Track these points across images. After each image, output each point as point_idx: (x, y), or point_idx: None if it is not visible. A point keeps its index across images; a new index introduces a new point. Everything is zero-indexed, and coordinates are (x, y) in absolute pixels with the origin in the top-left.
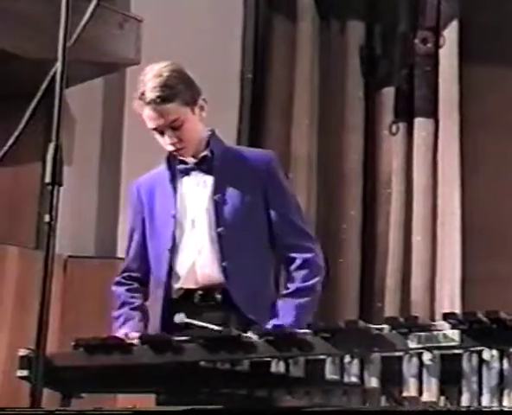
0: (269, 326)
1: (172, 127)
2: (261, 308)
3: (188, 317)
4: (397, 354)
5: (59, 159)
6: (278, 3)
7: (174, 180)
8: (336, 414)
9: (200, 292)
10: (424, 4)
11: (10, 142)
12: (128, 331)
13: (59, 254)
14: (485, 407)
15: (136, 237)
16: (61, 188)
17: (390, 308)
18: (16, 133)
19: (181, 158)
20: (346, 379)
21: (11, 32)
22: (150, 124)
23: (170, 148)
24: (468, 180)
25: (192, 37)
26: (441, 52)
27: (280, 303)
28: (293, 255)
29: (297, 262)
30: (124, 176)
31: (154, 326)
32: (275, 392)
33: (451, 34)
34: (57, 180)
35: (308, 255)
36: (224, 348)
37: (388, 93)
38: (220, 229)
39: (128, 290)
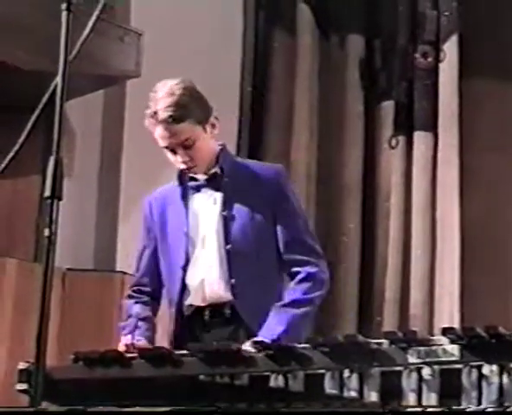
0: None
1: (184, 146)
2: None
3: (197, 334)
4: (396, 368)
5: (59, 173)
6: (278, 16)
7: (185, 196)
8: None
9: (209, 309)
10: (423, 18)
11: (10, 154)
12: (134, 339)
13: (57, 267)
14: (485, 408)
15: (147, 252)
16: (61, 201)
17: (389, 321)
18: (17, 146)
19: (191, 175)
20: (345, 394)
21: (12, 44)
22: (162, 143)
23: (182, 166)
24: (467, 193)
25: (192, 50)
26: (441, 66)
27: (273, 311)
28: (297, 269)
29: (300, 275)
30: (123, 190)
31: (168, 343)
32: (274, 407)
33: (451, 48)
34: (57, 194)
35: (312, 269)
36: (223, 362)
37: (388, 107)
38: (228, 246)
39: (137, 303)
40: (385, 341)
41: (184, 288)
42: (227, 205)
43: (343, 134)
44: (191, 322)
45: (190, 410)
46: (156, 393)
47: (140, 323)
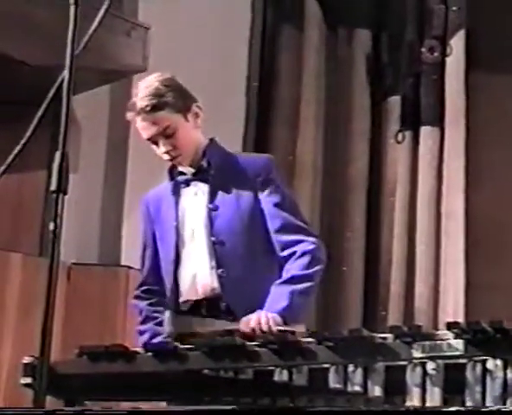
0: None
1: (165, 135)
2: None
3: (195, 328)
4: (401, 363)
5: (65, 167)
6: (285, 11)
7: (176, 191)
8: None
9: (205, 303)
10: (431, 13)
11: (17, 149)
12: None
13: (63, 261)
14: (485, 407)
15: (148, 252)
16: (66, 196)
17: (394, 316)
18: (23, 140)
19: (180, 170)
20: (349, 388)
21: (19, 39)
22: (144, 134)
23: (166, 157)
24: (473, 188)
25: (199, 45)
26: (448, 61)
27: (273, 289)
28: (292, 249)
29: (296, 254)
30: (128, 185)
31: None
32: (278, 401)
33: (457, 43)
34: (62, 188)
35: (307, 247)
36: (228, 357)
37: (394, 102)
38: (213, 238)
39: (150, 305)
40: (389, 336)
41: (177, 283)
42: (212, 197)
43: (350, 129)
44: (186, 314)
45: (197, 410)
46: (160, 388)
47: (160, 328)
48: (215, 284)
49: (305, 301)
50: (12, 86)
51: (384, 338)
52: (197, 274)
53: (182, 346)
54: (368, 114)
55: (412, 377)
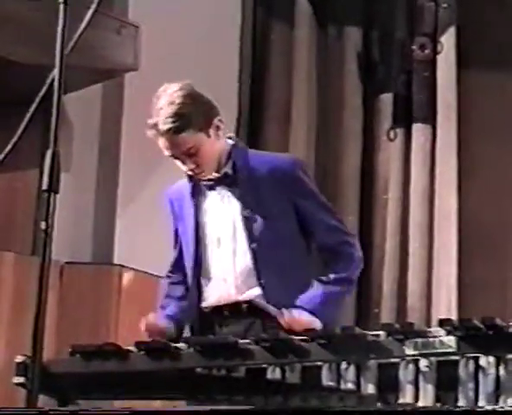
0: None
1: (188, 155)
2: None
3: (215, 329)
4: (393, 360)
5: (56, 166)
6: (276, 9)
7: (196, 194)
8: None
9: (228, 306)
10: (421, 10)
11: (8, 148)
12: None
13: (55, 260)
14: (481, 407)
15: (178, 241)
16: (58, 195)
17: (386, 314)
18: (14, 139)
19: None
20: (342, 386)
21: (9, 38)
22: (166, 152)
23: (190, 173)
24: (465, 186)
25: (190, 43)
26: (439, 58)
27: (312, 286)
28: (334, 250)
29: (339, 256)
30: (121, 183)
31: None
32: (271, 399)
33: (448, 40)
34: (54, 187)
35: (347, 249)
36: (220, 355)
37: (386, 99)
38: (253, 245)
39: (171, 283)
40: (382, 333)
41: (199, 286)
42: (245, 204)
43: (342, 126)
44: (210, 317)
45: (197, 410)
46: (153, 386)
47: (179, 303)
48: (253, 290)
49: (338, 303)
50: (2, 86)
51: (377, 335)
52: (226, 280)
53: (175, 344)
54: (359, 112)
55: (405, 374)
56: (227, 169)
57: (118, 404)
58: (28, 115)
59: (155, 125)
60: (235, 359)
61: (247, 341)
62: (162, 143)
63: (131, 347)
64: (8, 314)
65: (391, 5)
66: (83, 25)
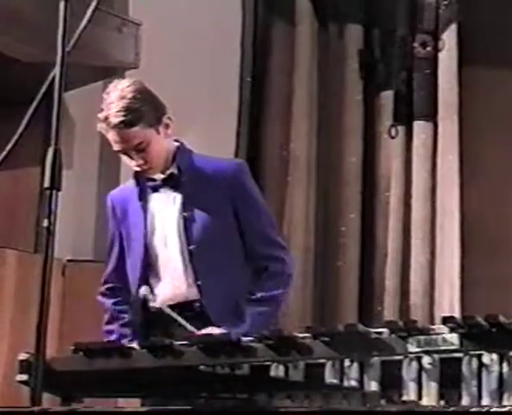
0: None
1: (137, 150)
2: (238, 320)
3: (166, 330)
4: (396, 357)
5: (58, 164)
6: (277, 6)
7: (143, 196)
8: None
9: (178, 306)
10: (422, 8)
11: (10, 146)
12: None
13: (58, 258)
14: (484, 406)
15: (115, 249)
16: (60, 192)
17: (389, 311)
18: (16, 137)
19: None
20: (346, 384)
21: (9, 35)
22: (115, 147)
23: (137, 169)
24: (467, 183)
25: (191, 41)
26: (440, 55)
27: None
28: (262, 264)
29: (266, 273)
30: (123, 180)
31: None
32: (274, 397)
33: (450, 37)
34: (56, 185)
35: (277, 266)
36: (223, 352)
37: (387, 97)
38: (191, 247)
39: (115, 304)
40: (385, 331)
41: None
42: (186, 205)
43: (343, 124)
44: (159, 317)
45: (196, 410)
46: (156, 384)
47: (126, 330)
48: (191, 293)
49: (267, 322)
50: (4, 83)
51: (380, 333)
52: (173, 281)
53: (178, 342)
54: (360, 109)
55: (408, 372)
56: (173, 170)
57: (121, 401)
58: (30, 113)
59: (106, 119)
60: (238, 356)
61: (250, 338)
62: (111, 136)
63: (134, 345)
64: (10, 312)
65: (392, 2)
66: (84, 23)
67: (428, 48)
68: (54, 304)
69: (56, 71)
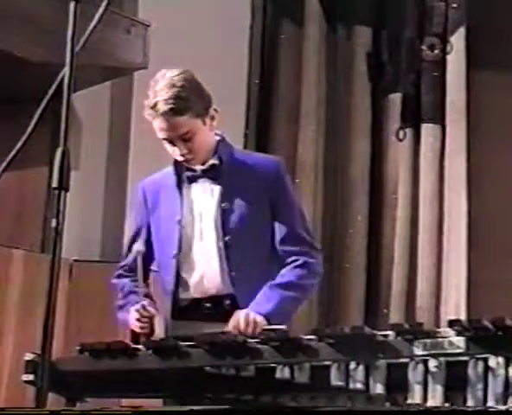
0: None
1: (183, 139)
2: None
3: (196, 325)
4: (402, 360)
5: (66, 164)
6: (286, 8)
7: (180, 185)
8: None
9: (209, 300)
10: (431, 10)
11: (18, 146)
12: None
13: (65, 258)
14: (488, 407)
15: (143, 235)
16: (68, 193)
17: (396, 314)
18: (24, 137)
19: (188, 165)
20: (351, 386)
21: (19, 36)
22: (161, 135)
23: (180, 158)
24: (475, 186)
25: (199, 42)
26: (448, 58)
27: (266, 288)
28: (294, 257)
29: (298, 262)
30: (130, 181)
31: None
32: (280, 398)
33: (458, 40)
34: (64, 185)
35: (309, 259)
36: (229, 354)
37: (395, 99)
38: (227, 238)
39: (133, 281)
40: (391, 333)
41: (179, 279)
42: (225, 196)
43: (351, 126)
44: (189, 312)
45: (196, 410)
46: (162, 385)
47: (142, 298)
48: (224, 285)
49: (293, 309)
50: (13, 84)
51: (386, 335)
52: (205, 273)
53: (183, 343)
54: (368, 112)
55: (414, 374)
56: (214, 161)
57: (126, 402)
58: (38, 113)
59: (154, 105)
60: (244, 358)
61: (257, 339)
62: (158, 124)
63: (140, 346)
64: (17, 311)
65: (401, 5)
66: (93, 23)
67: (436, 51)
68: (60, 304)
69: (65, 71)
